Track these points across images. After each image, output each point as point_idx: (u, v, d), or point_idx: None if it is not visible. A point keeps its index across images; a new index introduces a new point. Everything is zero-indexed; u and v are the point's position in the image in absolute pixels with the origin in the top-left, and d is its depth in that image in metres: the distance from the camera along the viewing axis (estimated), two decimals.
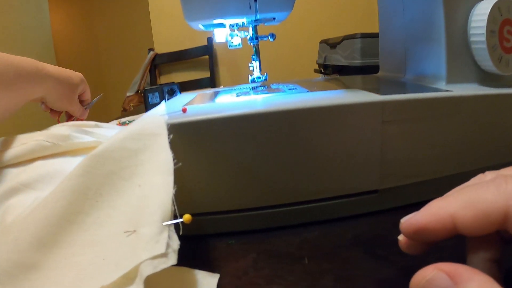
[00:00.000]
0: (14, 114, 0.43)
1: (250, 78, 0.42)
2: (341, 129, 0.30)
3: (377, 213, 0.33)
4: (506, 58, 0.40)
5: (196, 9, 0.35)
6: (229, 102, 0.36)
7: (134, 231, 0.23)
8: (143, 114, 0.37)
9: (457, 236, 0.19)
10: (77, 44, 3.42)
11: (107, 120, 0.69)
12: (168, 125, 0.28)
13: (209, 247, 0.25)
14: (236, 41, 0.41)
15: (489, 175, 0.21)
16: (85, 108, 0.60)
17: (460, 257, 0.19)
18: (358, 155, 0.31)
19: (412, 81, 0.45)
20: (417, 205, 0.20)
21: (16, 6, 2.41)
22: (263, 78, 0.41)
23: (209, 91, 0.49)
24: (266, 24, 0.40)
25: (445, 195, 0.20)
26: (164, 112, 0.32)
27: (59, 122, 0.55)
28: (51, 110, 0.54)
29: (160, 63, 2.39)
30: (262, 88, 0.41)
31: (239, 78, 2.33)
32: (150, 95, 0.73)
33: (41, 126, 0.44)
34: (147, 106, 0.61)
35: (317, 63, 1.29)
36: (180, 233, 0.22)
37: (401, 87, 0.41)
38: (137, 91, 2.14)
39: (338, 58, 1.08)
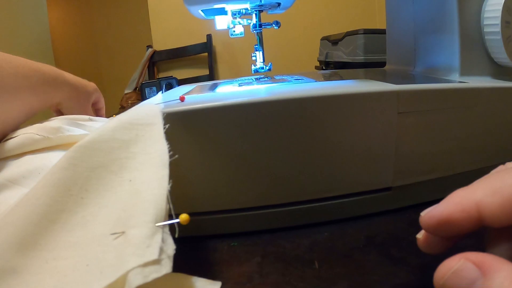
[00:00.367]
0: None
1: (253, 68, 0.40)
2: (354, 120, 0.28)
3: (390, 212, 0.31)
4: None
5: None
6: (231, 91, 0.34)
7: (123, 232, 0.20)
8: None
9: (476, 235, 0.18)
10: (75, 41, 3.43)
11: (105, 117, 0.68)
12: (164, 114, 0.26)
13: (209, 250, 0.24)
14: (238, 29, 0.39)
15: (510, 164, 0.21)
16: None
17: None
18: (371, 149, 0.29)
19: (423, 74, 0.43)
20: (432, 203, 0.18)
21: (13, 3, 2.40)
22: (267, 68, 0.39)
23: (209, 83, 0.47)
24: (269, 12, 0.38)
25: (468, 185, 0.19)
26: (159, 102, 0.29)
27: None
28: None
29: (159, 60, 2.37)
30: (266, 78, 0.39)
31: (237, 75, 2.32)
32: (147, 89, 0.71)
33: None
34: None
35: (318, 60, 1.28)
36: (176, 235, 0.20)
37: (413, 79, 0.40)
38: (135, 88, 2.12)
39: (340, 54, 1.07)
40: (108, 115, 0.86)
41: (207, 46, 2.24)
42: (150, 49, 2.36)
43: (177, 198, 0.21)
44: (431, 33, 0.42)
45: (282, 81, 0.37)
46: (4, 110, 0.37)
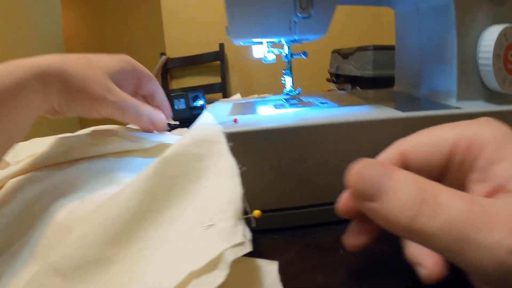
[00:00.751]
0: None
1: (284, 91, 0.47)
2: (367, 142, 0.36)
3: None
4: (510, 78, 0.46)
5: (242, 29, 0.40)
6: (272, 114, 0.42)
7: (213, 224, 0.25)
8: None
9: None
10: (87, 46, 3.45)
11: (119, 122, 0.70)
12: (225, 134, 0.32)
13: (256, 242, 0.27)
14: (271, 57, 0.46)
15: None
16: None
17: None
18: None
19: (425, 97, 0.50)
20: None
21: (29, 7, 2.46)
22: (296, 92, 0.47)
23: (243, 101, 0.54)
24: (299, 43, 0.45)
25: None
26: (215, 122, 0.35)
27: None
28: None
29: (172, 67, 2.43)
30: (295, 101, 0.46)
31: (249, 83, 2.38)
32: (176, 101, 0.78)
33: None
34: (172, 111, 0.65)
35: (328, 72, 1.34)
36: (253, 225, 0.26)
37: (417, 103, 0.47)
38: None
39: (351, 68, 1.12)
40: None
41: (220, 55, 2.30)
42: (164, 56, 2.41)
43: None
44: (434, 61, 0.49)
45: (310, 104, 0.44)
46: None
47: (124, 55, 0.43)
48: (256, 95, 1.34)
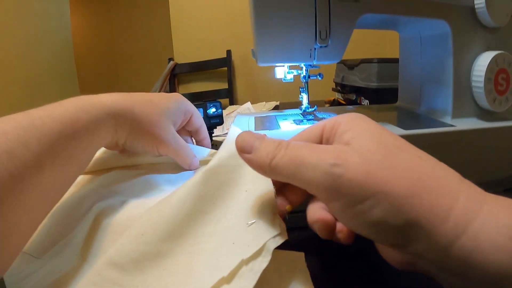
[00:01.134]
0: None
1: (301, 107, 0.54)
2: None
3: None
4: (500, 99, 0.52)
5: (269, 54, 0.46)
6: (294, 129, 0.48)
7: (254, 221, 0.28)
8: None
9: None
10: (97, 51, 3.47)
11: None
12: None
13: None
14: (289, 76, 0.53)
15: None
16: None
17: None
18: None
19: (424, 114, 0.57)
20: None
21: (38, 11, 2.49)
22: (312, 109, 0.53)
23: (263, 114, 0.61)
24: (317, 68, 0.52)
25: None
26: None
27: None
28: None
29: (179, 72, 2.45)
30: (311, 116, 0.53)
31: (255, 90, 2.42)
32: None
33: None
34: None
35: (334, 81, 1.39)
36: (287, 216, 0.29)
37: (417, 120, 0.54)
38: None
39: (356, 79, 1.17)
40: None
41: (227, 61, 2.32)
42: (172, 62, 2.43)
43: None
44: (433, 83, 0.56)
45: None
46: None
47: (178, 95, 0.47)
48: (264, 102, 1.40)
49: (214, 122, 0.76)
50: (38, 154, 0.28)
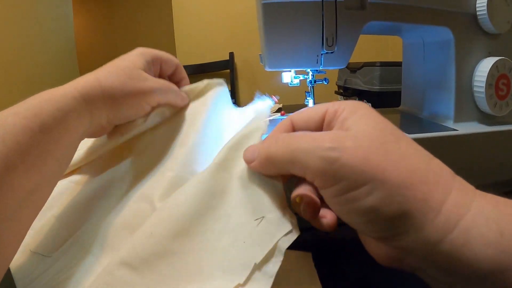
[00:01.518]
0: None
1: None
2: None
3: None
4: (500, 103, 0.54)
5: (277, 60, 0.48)
6: None
7: (263, 217, 0.28)
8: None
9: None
10: (99, 53, 3.41)
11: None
12: None
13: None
14: (296, 81, 0.54)
15: None
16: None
17: None
18: None
19: (427, 118, 0.58)
20: None
21: (41, 12, 2.50)
22: None
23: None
24: (323, 73, 0.53)
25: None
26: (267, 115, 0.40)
27: None
28: None
29: None
30: None
31: (255, 91, 2.42)
32: None
33: None
34: None
35: (336, 84, 1.40)
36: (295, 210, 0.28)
37: (420, 124, 0.55)
38: None
39: (358, 82, 1.18)
40: None
41: (229, 63, 2.33)
42: None
43: None
44: (435, 88, 0.57)
45: None
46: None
47: (139, 48, 0.43)
48: None
49: None
50: (4, 154, 0.26)
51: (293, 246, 0.27)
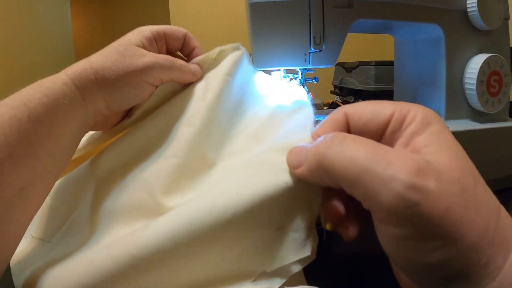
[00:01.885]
0: None
1: None
2: None
3: None
4: (492, 100, 0.53)
5: (265, 59, 0.47)
6: None
7: (283, 228, 0.25)
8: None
9: None
10: (97, 51, 3.51)
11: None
12: None
13: None
14: (286, 80, 0.54)
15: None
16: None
17: None
18: None
19: None
20: None
21: (40, 14, 2.51)
22: None
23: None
24: (312, 72, 0.53)
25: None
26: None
27: None
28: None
29: None
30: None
31: None
32: None
33: None
34: None
35: (332, 84, 1.39)
36: (324, 238, 0.25)
37: None
38: None
39: (354, 82, 1.18)
40: None
41: None
42: None
43: None
44: (427, 85, 0.57)
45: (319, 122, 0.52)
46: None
47: (139, 27, 0.39)
48: None
49: None
50: None
51: None
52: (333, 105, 1.38)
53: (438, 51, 0.54)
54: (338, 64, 1.34)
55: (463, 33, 0.53)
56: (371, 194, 0.19)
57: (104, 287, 0.24)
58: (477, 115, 0.54)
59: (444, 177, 0.19)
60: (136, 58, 0.35)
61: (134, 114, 0.38)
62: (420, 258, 0.19)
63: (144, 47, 0.36)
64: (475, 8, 0.52)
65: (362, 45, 2.11)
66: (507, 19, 0.56)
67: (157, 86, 0.38)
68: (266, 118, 0.37)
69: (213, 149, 0.35)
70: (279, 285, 0.24)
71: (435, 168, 0.19)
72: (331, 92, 1.37)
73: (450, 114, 0.53)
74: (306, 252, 0.25)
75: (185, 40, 0.43)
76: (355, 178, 0.20)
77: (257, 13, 0.45)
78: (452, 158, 0.20)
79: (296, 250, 0.25)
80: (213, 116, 0.36)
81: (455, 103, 0.53)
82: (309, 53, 0.47)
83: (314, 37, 0.45)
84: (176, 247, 0.25)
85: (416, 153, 0.21)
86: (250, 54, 0.51)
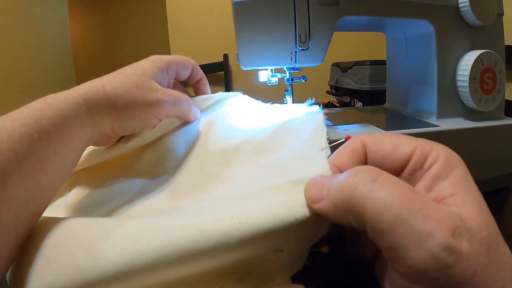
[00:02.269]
0: None
1: None
2: None
3: None
4: (486, 98, 0.52)
5: (251, 58, 0.46)
6: None
7: (280, 251, 0.25)
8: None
9: None
10: (96, 56, 3.45)
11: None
12: None
13: None
14: (274, 79, 0.53)
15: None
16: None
17: None
18: None
19: (411, 115, 0.56)
20: None
21: (38, 16, 2.51)
22: None
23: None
24: (299, 70, 0.52)
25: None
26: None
27: None
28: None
29: None
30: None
31: (252, 94, 2.41)
32: None
33: None
34: None
35: (328, 84, 1.39)
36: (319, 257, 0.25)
37: (402, 121, 0.53)
38: None
39: (349, 81, 1.17)
40: None
41: (224, 65, 2.33)
42: None
43: None
44: (418, 84, 0.56)
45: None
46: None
47: (153, 55, 0.41)
48: None
49: None
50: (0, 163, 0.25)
51: None
52: (328, 105, 1.37)
53: (429, 48, 0.52)
54: (334, 64, 1.34)
55: (455, 29, 0.52)
56: (399, 246, 0.18)
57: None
58: (471, 113, 0.53)
59: (475, 237, 0.18)
60: (150, 93, 0.36)
61: (133, 137, 0.39)
62: None
63: (157, 79, 0.38)
64: (467, 3, 0.50)
65: (359, 44, 2.11)
66: (501, 14, 0.55)
67: (161, 120, 0.39)
68: (273, 131, 0.39)
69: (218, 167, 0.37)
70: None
71: (467, 227, 0.18)
72: (327, 92, 1.37)
73: (443, 112, 0.51)
74: (296, 268, 0.25)
75: (192, 70, 0.45)
76: (386, 227, 0.18)
77: (241, 12, 0.44)
78: (480, 213, 0.19)
79: (285, 268, 0.25)
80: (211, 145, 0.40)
81: (447, 101, 0.52)
82: (295, 51, 0.46)
83: (299, 36, 0.44)
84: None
85: (441, 202, 0.20)
86: (236, 54, 0.50)
